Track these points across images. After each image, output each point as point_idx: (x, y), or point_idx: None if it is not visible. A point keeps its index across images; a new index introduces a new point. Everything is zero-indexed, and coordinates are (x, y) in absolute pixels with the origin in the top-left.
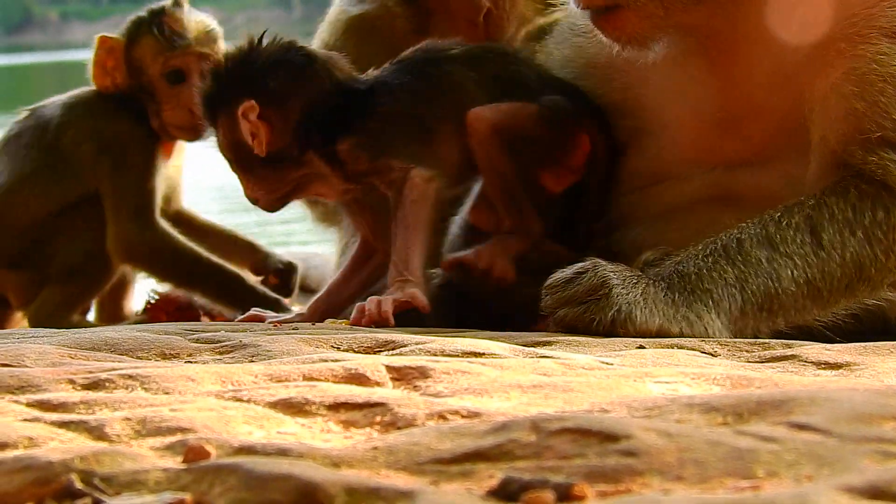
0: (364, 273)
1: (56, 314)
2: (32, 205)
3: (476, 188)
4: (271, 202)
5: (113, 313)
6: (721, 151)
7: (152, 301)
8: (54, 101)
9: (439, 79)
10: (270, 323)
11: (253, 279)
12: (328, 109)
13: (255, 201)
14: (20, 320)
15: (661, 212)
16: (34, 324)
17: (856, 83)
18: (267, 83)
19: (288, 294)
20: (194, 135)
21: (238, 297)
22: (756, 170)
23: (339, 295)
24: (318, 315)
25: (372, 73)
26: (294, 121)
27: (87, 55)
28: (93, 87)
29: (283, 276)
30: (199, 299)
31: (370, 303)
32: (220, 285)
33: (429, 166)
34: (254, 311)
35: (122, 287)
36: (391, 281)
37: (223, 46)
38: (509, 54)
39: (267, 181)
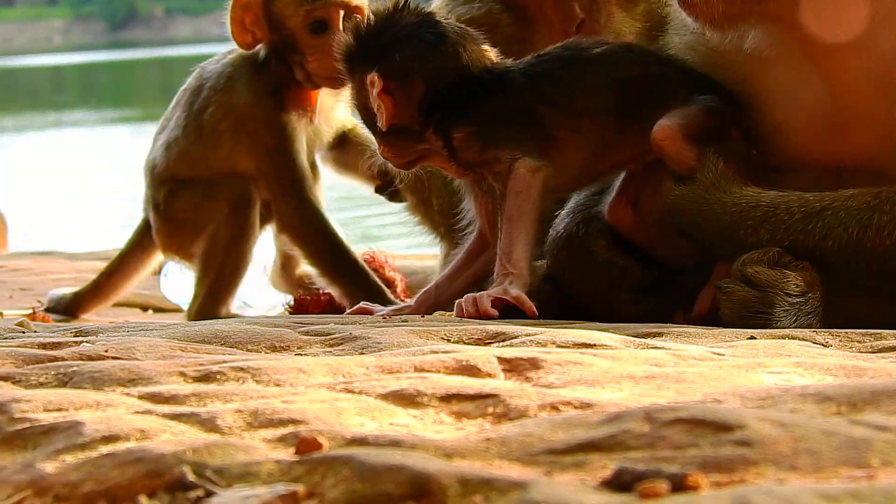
0: (475, 266)
1: (202, 309)
2: (175, 166)
3: (616, 184)
4: (400, 165)
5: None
6: (831, 155)
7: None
8: (216, 60)
9: (572, 82)
10: (379, 316)
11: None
12: (450, 93)
13: (385, 160)
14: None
15: None
16: (190, 319)
17: None
18: (393, 57)
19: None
20: (341, 83)
21: (361, 291)
22: (867, 178)
23: (447, 287)
24: (425, 307)
25: (508, 62)
26: (416, 98)
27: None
28: (239, 52)
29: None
30: (327, 287)
31: (466, 301)
32: (352, 277)
33: (537, 158)
34: (363, 304)
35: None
36: (496, 275)
37: None
38: (652, 54)
39: (393, 147)
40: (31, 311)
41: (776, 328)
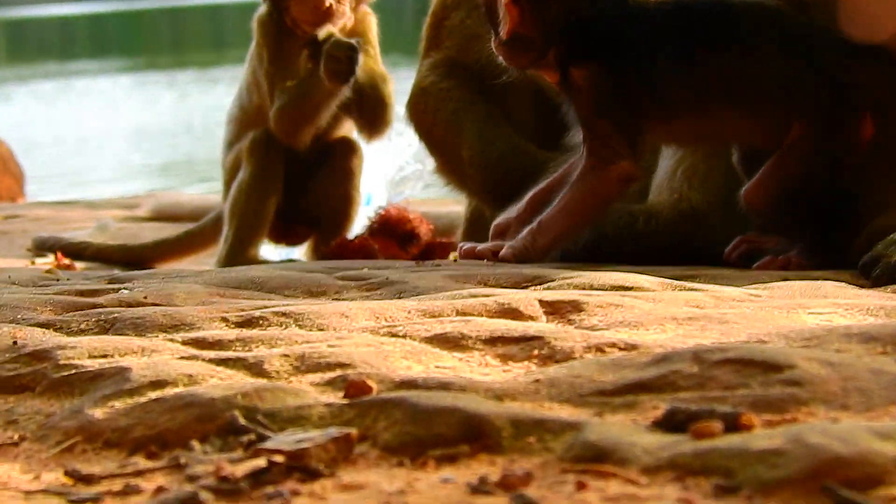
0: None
1: (231, 253)
2: (229, 133)
3: (763, 169)
4: (511, 65)
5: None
6: None
7: (375, 225)
8: None
9: (712, 54)
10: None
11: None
12: (582, 22)
13: (497, 56)
14: None
15: None
16: (220, 264)
17: None
18: None
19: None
20: (319, 28)
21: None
22: None
23: (542, 204)
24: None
25: (650, 1)
26: (545, 17)
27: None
28: None
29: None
30: None
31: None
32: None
33: (638, 161)
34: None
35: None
36: (519, 236)
37: None
38: (809, 40)
39: (509, 51)
40: (54, 259)
41: None
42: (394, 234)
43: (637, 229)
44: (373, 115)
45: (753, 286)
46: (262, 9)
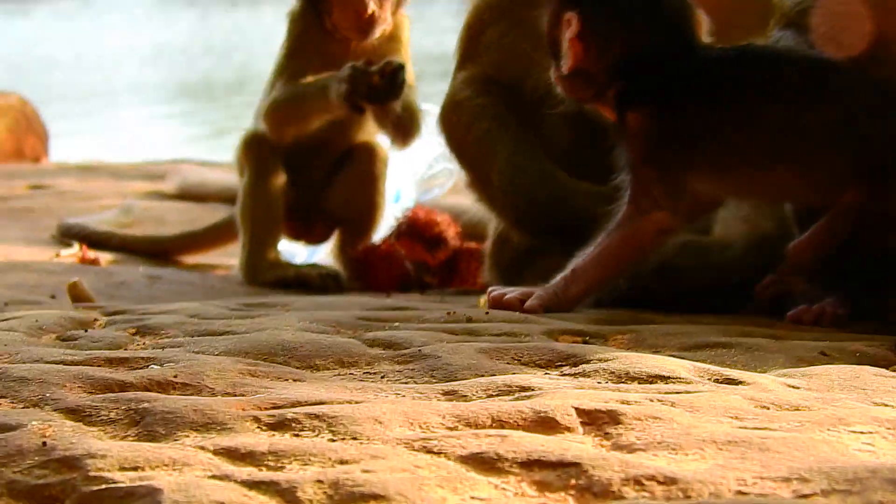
0: None
1: (251, 258)
2: None
3: (814, 227)
4: (569, 97)
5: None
6: None
7: (402, 227)
8: None
9: (778, 110)
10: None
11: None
12: (649, 63)
13: (556, 86)
14: None
15: None
16: (243, 271)
17: None
18: (601, 6)
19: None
20: (362, 35)
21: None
22: None
23: None
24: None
25: (716, 47)
26: (609, 56)
27: None
28: None
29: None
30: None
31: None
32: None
33: (683, 215)
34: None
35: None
36: (551, 283)
37: None
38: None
39: (569, 84)
40: (78, 250)
41: None
42: (421, 238)
43: (711, 260)
44: (405, 125)
45: (790, 371)
46: (296, 5)
